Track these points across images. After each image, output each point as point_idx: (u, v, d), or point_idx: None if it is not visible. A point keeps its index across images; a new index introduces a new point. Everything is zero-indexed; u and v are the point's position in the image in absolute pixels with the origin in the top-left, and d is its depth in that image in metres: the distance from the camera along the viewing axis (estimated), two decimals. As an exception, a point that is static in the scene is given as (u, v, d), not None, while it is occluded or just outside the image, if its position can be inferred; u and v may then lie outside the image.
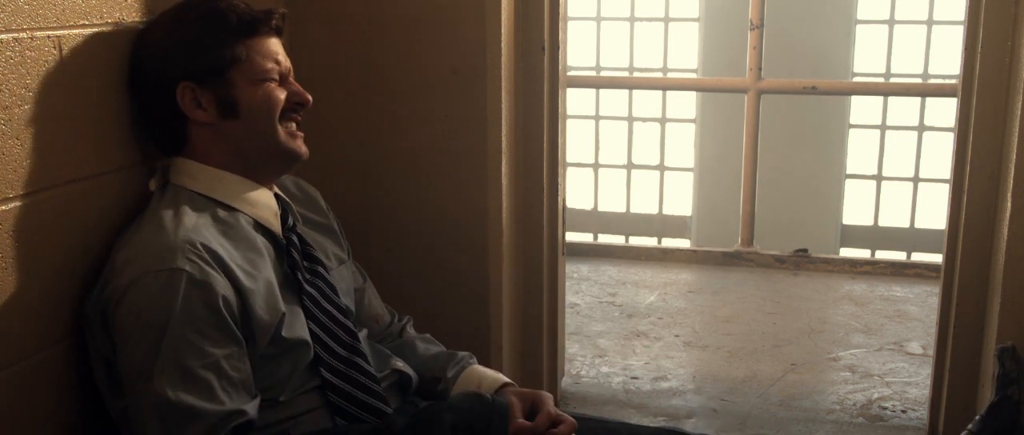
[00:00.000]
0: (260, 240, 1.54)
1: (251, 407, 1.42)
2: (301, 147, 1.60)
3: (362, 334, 1.69)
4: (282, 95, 1.56)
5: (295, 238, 1.61)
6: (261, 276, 1.49)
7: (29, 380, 1.45)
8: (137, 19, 1.61)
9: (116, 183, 1.59)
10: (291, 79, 1.60)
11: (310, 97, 1.60)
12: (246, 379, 1.43)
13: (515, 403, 1.56)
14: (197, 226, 1.46)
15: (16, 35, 1.39)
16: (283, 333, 1.49)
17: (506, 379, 1.70)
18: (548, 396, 1.60)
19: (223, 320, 1.41)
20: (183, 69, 1.50)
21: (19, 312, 1.42)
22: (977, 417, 1.98)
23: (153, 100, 1.55)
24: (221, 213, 1.52)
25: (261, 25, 1.54)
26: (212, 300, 1.40)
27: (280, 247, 1.57)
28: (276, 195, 1.62)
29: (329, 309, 1.59)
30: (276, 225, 1.58)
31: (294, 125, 1.60)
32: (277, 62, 1.56)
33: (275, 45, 1.57)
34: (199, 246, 1.42)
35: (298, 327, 1.52)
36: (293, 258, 1.58)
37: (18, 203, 1.41)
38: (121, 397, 1.45)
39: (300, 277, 1.57)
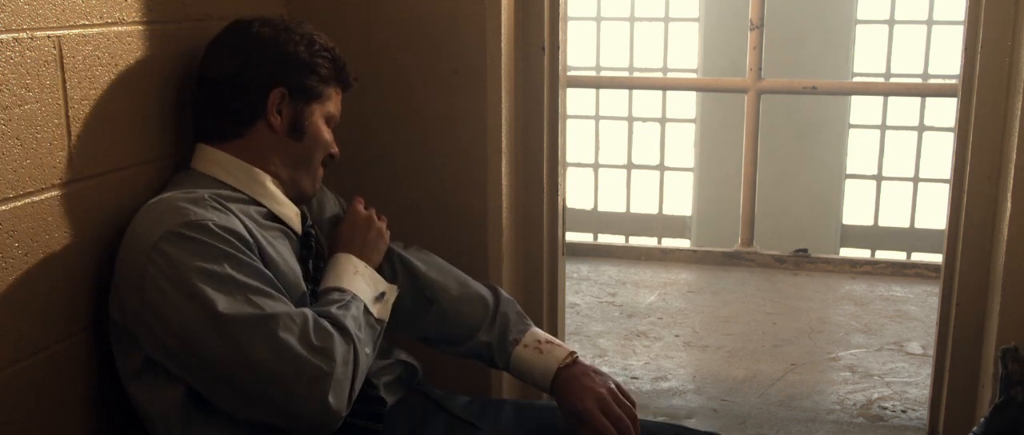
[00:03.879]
0: (279, 228, 1.61)
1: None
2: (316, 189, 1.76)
3: None
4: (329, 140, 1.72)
5: (313, 233, 1.70)
6: (280, 252, 1.55)
7: (41, 374, 1.46)
8: (137, 19, 1.61)
9: (116, 183, 1.59)
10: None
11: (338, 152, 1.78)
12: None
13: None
14: (211, 196, 1.51)
15: (16, 35, 1.39)
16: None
17: (557, 366, 1.73)
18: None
19: (252, 248, 1.47)
20: (289, 79, 1.62)
21: (20, 311, 1.42)
22: (982, 419, 1.97)
23: (241, 88, 1.61)
24: (243, 202, 1.58)
25: (349, 82, 1.75)
26: (238, 233, 1.46)
27: (299, 239, 1.65)
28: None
29: None
30: (297, 223, 1.66)
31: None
32: (338, 113, 1.74)
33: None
34: (211, 199, 1.49)
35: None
36: (310, 248, 1.66)
37: (18, 203, 1.41)
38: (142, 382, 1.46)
39: (310, 266, 1.64)
